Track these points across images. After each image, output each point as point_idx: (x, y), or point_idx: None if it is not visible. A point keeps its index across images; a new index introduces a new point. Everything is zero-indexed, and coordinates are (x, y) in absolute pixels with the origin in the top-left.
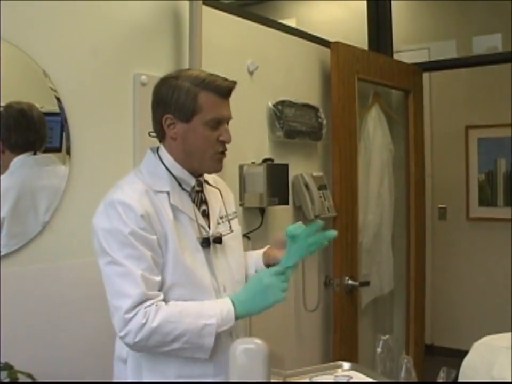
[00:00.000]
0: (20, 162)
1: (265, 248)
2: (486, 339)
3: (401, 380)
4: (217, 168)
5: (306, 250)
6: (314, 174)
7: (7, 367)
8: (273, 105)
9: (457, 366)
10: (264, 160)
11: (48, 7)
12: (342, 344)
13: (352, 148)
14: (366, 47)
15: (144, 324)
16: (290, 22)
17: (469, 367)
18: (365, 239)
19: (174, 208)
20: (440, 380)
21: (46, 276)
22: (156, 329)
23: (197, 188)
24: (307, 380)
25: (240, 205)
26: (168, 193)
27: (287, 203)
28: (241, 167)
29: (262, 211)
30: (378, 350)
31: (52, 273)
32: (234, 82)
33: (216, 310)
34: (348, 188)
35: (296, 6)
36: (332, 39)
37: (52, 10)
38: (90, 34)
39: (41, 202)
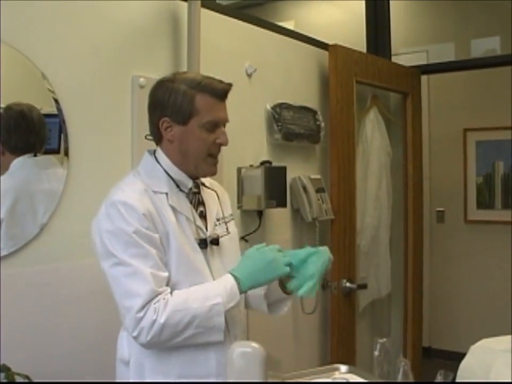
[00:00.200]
0: (20, 164)
1: None
2: (484, 342)
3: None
4: (212, 171)
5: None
6: (312, 176)
7: (5, 368)
8: (272, 108)
9: (455, 369)
10: (262, 163)
11: (46, 9)
12: (339, 347)
13: (350, 150)
14: (364, 49)
15: (154, 321)
16: (289, 24)
17: (467, 370)
18: (363, 242)
19: (172, 209)
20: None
21: (44, 278)
22: (165, 323)
23: (194, 190)
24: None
25: (238, 207)
26: (166, 194)
27: (285, 206)
28: (239, 169)
29: (260, 214)
30: (376, 352)
31: (50, 275)
32: (230, 85)
33: (220, 288)
34: (346, 191)
35: (294, 8)
36: (330, 42)
37: (51, 12)
38: (89, 36)
39: (40, 204)
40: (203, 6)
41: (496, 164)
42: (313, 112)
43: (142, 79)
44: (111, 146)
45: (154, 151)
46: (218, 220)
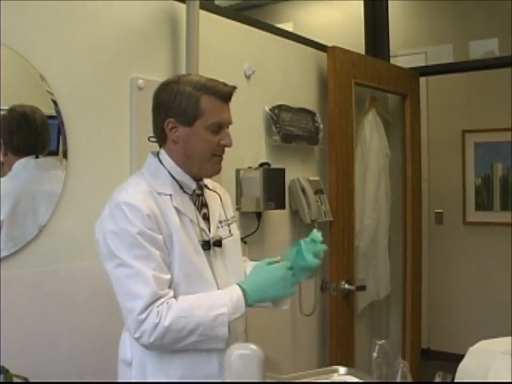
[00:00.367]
0: (21, 165)
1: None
2: (482, 344)
3: None
4: (216, 170)
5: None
6: (311, 178)
7: (3, 370)
8: (270, 110)
9: (453, 371)
10: (261, 165)
11: (45, 11)
12: (338, 349)
13: (348, 152)
14: (362, 51)
15: (157, 324)
16: (288, 26)
17: (465, 371)
18: (362, 244)
19: (176, 210)
20: None
21: (43, 280)
22: (168, 327)
23: (198, 192)
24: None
25: (237, 209)
26: (170, 195)
27: (283, 207)
28: (237, 171)
29: (259, 215)
30: (374, 354)
31: (48, 276)
32: (234, 87)
33: (226, 299)
34: (345, 192)
35: (293, 10)
36: (328, 43)
37: (49, 14)
38: (88, 38)
39: (41, 205)
40: (201, 7)
41: (495, 166)
42: (312, 114)
43: (140, 81)
44: (109, 148)
45: (158, 152)
46: (220, 222)
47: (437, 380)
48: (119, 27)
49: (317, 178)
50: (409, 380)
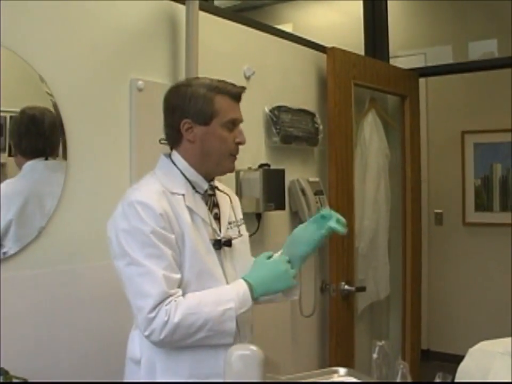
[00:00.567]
0: (30, 167)
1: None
2: (482, 344)
3: None
4: (231, 168)
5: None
6: (311, 179)
7: (3, 372)
8: (270, 111)
9: (454, 371)
10: (261, 166)
11: (45, 12)
12: (338, 350)
13: (348, 153)
14: (362, 52)
15: (167, 321)
16: (287, 27)
17: (465, 372)
18: (361, 245)
19: (188, 210)
20: None
21: (42, 281)
22: (178, 324)
23: (210, 192)
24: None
25: None
26: (183, 195)
27: (283, 208)
28: (237, 172)
29: (259, 216)
30: (374, 355)
31: (47, 278)
32: (244, 88)
33: (232, 293)
34: (344, 193)
35: (292, 11)
36: (328, 44)
37: (49, 15)
38: (87, 39)
39: (46, 206)
40: (201, 8)
41: (494, 166)
42: (312, 115)
43: (140, 82)
44: (109, 149)
45: (169, 154)
46: (230, 223)
47: (437, 380)
48: (118, 28)
49: (316, 179)
50: (409, 380)
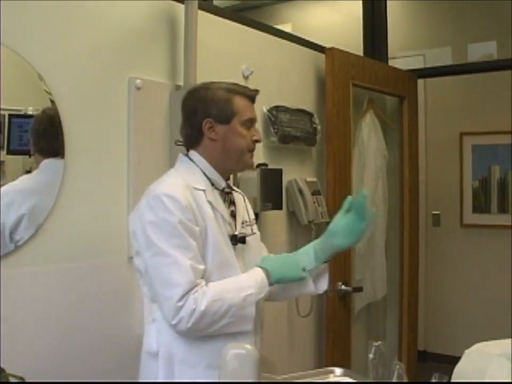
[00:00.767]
0: (46, 165)
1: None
2: (478, 346)
3: None
4: (251, 163)
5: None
6: (308, 179)
7: None
8: (268, 110)
9: (450, 373)
10: (258, 165)
11: (44, 11)
12: (334, 350)
13: (346, 153)
14: (361, 52)
15: (194, 309)
16: (286, 27)
17: (461, 374)
18: (359, 245)
19: (210, 205)
20: None
21: (39, 279)
22: (205, 311)
23: (227, 190)
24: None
25: None
26: (204, 191)
27: (280, 208)
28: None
29: (256, 216)
30: (371, 356)
31: (44, 276)
32: (258, 91)
33: (251, 280)
34: (342, 194)
35: (292, 11)
36: (327, 45)
37: (48, 13)
38: (86, 37)
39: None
40: (200, 8)
41: (492, 168)
42: (310, 115)
43: (138, 81)
44: (107, 147)
45: (187, 154)
46: (243, 222)
47: (433, 381)
48: (117, 27)
49: (314, 179)
50: (405, 381)
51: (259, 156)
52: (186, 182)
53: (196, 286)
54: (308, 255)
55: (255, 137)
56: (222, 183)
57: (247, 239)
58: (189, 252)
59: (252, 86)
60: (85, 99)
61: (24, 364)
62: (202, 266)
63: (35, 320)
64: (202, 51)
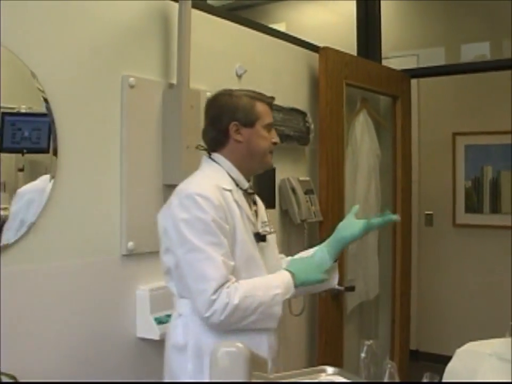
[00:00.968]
0: None
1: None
2: (470, 345)
3: None
4: (271, 163)
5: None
6: (301, 178)
7: None
8: None
9: (442, 372)
10: None
11: (37, 9)
12: (326, 349)
13: (339, 152)
14: (354, 52)
15: (227, 303)
16: (280, 27)
17: (452, 373)
18: (351, 244)
19: (236, 204)
20: None
21: (30, 277)
22: (237, 305)
23: (250, 190)
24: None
25: None
26: (230, 191)
27: (273, 207)
28: None
29: None
30: (362, 355)
31: (36, 274)
32: (274, 98)
33: (278, 281)
34: (335, 193)
35: (285, 10)
36: (320, 44)
37: (41, 11)
38: (79, 35)
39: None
40: (194, 6)
41: (485, 168)
42: (303, 114)
43: (132, 79)
44: (100, 145)
45: (210, 157)
46: (263, 222)
47: (424, 380)
48: (111, 25)
49: (307, 178)
50: (397, 380)
51: None
52: (215, 182)
53: (228, 281)
54: (324, 255)
55: (274, 140)
56: (245, 184)
57: (268, 237)
58: (221, 248)
59: (245, 85)
60: (78, 97)
61: (16, 363)
62: (232, 263)
63: (27, 318)
64: (196, 50)
